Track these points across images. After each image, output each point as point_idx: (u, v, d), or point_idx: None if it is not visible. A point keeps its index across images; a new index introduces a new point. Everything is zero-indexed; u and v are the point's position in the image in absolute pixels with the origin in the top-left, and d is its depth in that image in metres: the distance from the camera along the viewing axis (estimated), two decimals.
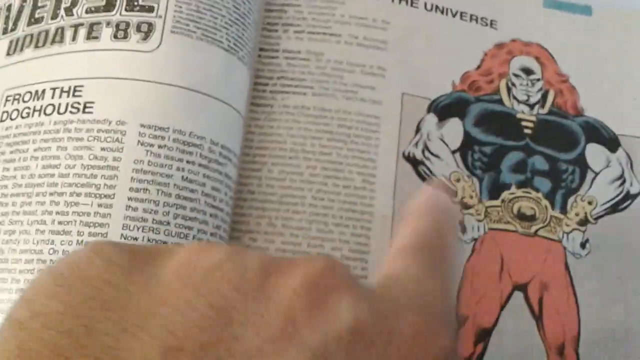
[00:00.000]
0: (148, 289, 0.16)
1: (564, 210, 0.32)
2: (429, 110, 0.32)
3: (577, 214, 0.32)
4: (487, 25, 0.35)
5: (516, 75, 0.34)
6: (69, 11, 0.27)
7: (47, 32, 0.27)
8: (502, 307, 0.30)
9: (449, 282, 0.22)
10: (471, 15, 0.35)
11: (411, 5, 0.34)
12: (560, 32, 0.36)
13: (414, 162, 0.31)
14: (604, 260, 0.31)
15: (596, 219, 0.32)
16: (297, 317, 0.16)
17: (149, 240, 0.24)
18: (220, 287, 0.16)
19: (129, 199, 0.24)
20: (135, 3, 0.27)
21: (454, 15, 0.34)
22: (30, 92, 0.26)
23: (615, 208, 0.32)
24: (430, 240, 0.22)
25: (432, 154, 0.32)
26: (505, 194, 0.32)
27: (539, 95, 0.34)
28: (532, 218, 0.32)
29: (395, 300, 0.19)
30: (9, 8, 0.29)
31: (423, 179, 0.31)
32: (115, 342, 0.15)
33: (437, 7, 0.34)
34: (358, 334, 0.16)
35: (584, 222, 0.32)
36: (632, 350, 0.30)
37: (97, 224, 0.24)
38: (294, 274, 0.17)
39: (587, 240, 0.32)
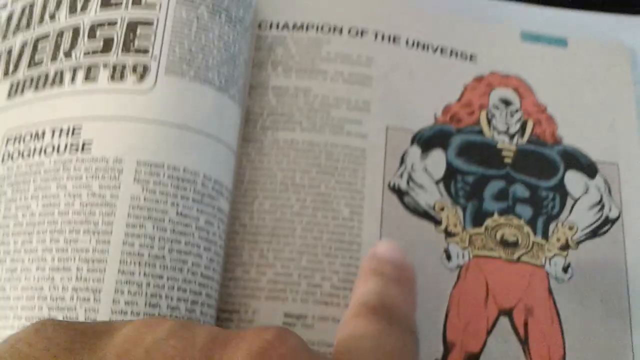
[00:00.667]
0: None
1: (545, 236, 0.33)
2: (412, 142, 0.34)
3: (558, 240, 0.33)
4: (466, 59, 0.36)
5: (496, 107, 0.35)
6: (67, 54, 0.28)
7: (46, 74, 0.28)
8: (489, 332, 0.31)
9: (413, 334, 0.23)
10: (451, 50, 0.36)
11: (393, 42, 0.35)
12: (538, 64, 0.37)
13: (399, 192, 0.32)
14: (586, 283, 0.33)
15: (577, 244, 0.33)
16: None
17: (144, 274, 0.25)
18: None
19: (126, 234, 0.25)
20: (131, 45, 0.28)
21: (434, 51, 0.36)
22: (31, 133, 0.27)
23: (595, 233, 0.34)
24: (387, 298, 0.23)
25: (416, 184, 0.33)
26: (488, 222, 0.33)
27: (518, 126, 0.35)
28: (514, 244, 0.33)
29: None
30: (9, 52, 0.31)
31: (409, 208, 0.32)
32: None
33: (418, 43, 0.36)
34: None
35: (565, 247, 0.33)
36: None
37: (95, 260, 0.25)
38: (240, 348, 0.17)
39: (569, 265, 0.33)
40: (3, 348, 0.17)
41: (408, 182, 0.33)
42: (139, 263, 0.25)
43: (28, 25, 0.31)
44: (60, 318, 0.24)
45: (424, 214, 0.32)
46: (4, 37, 0.31)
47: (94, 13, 0.29)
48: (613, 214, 0.34)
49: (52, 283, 0.24)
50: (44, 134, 0.27)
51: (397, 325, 0.22)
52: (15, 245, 0.25)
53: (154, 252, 0.25)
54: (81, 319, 0.24)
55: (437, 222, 0.32)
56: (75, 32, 0.29)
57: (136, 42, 0.28)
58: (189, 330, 0.18)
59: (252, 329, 0.18)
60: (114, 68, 0.28)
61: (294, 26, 0.35)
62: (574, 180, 0.35)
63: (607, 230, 0.34)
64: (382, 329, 0.22)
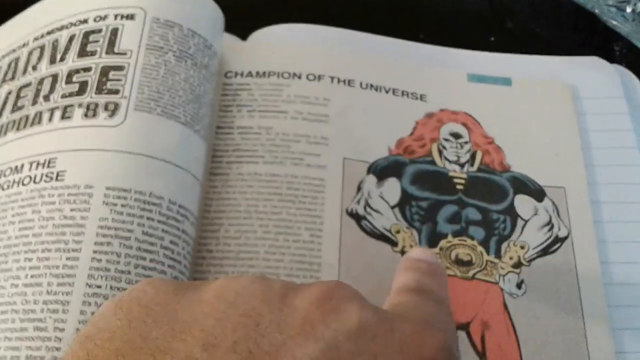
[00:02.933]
0: (191, 306, 0.21)
1: (498, 255, 0.35)
2: (368, 172, 0.36)
3: (511, 258, 0.35)
4: (417, 99, 0.40)
5: (446, 140, 0.38)
6: (47, 98, 0.32)
7: (27, 116, 0.31)
8: None
9: (448, 308, 0.27)
10: (402, 92, 0.40)
11: (348, 85, 0.39)
12: (484, 101, 0.40)
13: (356, 217, 0.35)
14: (539, 298, 0.34)
15: (529, 261, 0.35)
16: (313, 319, 0.20)
17: (111, 288, 0.27)
18: (249, 301, 0.21)
19: (94, 252, 0.27)
20: (104, 87, 0.31)
21: (386, 92, 0.39)
22: (11, 168, 0.30)
23: (546, 251, 0.36)
24: (424, 285, 0.27)
25: (373, 209, 0.35)
26: (442, 243, 0.35)
27: (467, 156, 0.38)
28: (469, 263, 0.35)
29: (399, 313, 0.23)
30: None
31: (366, 231, 0.34)
32: (165, 344, 0.19)
33: (371, 85, 0.39)
34: (364, 330, 0.20)
35: (517, 265, 0.35)
36: None
37: (65, 275, 0.26)
38: (310, 290, 0.22)
39: (522, 281, 0.35)
40: (121, 295, 0.22)
41: (365, 208, 0.35)
42: (106, 277, 0.27)
43: (13, 77, 0.34)
44: (30, 329, 0.25)
45: (381, 236, 0.34)
46: None
47: (72, 62, 0.32)
48: (562, 233, 0.36)
49: (24, 297, 0.26)
50: (22, 167, 0.30)
51: (436, 301, 0.26)
52: None
53: (120, 268, 0.27)
54: (50, 329, 0.25)
55: (394, 244, 0.34)
56: (54, 79, 0.32)
57: (108, 85, 0.31)
58: (268, 279, 0.22)
59: (317, 281, 0.23)
60: (88, 107, 0.31)
61: (257, 74, 0.38)
62: (523, 203, 0.37)
63: (557, 248, 0.36)
64: (423, 300, 0.26)
